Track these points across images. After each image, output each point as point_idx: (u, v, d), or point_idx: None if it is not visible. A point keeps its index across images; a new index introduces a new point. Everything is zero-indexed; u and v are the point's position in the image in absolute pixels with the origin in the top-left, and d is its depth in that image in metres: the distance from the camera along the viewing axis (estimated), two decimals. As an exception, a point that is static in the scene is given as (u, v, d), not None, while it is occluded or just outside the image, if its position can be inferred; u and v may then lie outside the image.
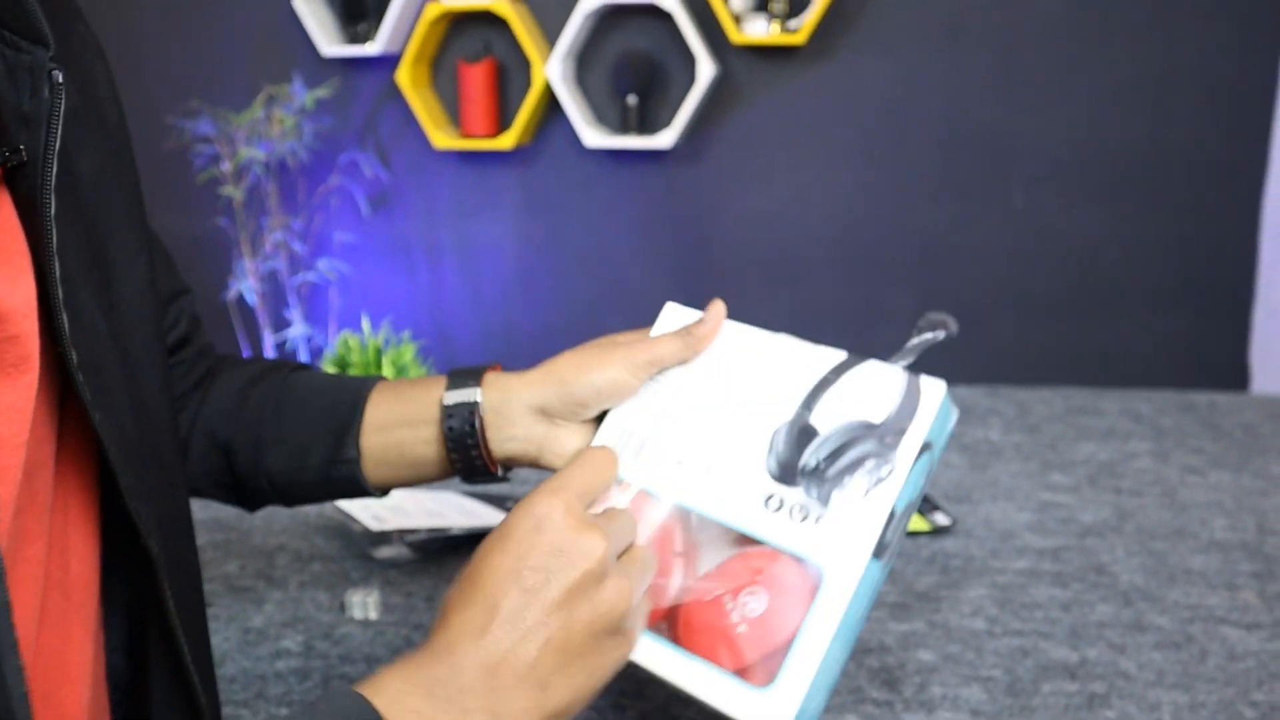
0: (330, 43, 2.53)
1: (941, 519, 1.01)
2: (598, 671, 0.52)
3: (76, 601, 0.54)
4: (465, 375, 0.68)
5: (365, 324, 1.15)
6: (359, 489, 0.70)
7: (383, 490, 0.71)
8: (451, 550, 0.99)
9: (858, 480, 0.58)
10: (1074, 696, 0.75)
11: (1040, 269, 2.45)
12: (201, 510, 1.08)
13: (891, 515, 0.57)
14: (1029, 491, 1.09)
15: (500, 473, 0.69)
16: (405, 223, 2.70)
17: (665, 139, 2.40)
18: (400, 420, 0.69)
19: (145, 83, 2.67)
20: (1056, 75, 2.35)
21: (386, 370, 1.06)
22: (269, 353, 2.63)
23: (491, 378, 0.68)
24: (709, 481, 0.61)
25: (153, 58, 2.67)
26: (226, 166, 2.44)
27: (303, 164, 2.54)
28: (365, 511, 0.97)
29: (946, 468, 1.15)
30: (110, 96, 0.62)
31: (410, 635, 0.85)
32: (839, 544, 0.57)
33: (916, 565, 0.94)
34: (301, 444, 0.70)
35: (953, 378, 1.55)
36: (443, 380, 0.69)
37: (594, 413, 0.67)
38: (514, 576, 0.51)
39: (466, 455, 0.67)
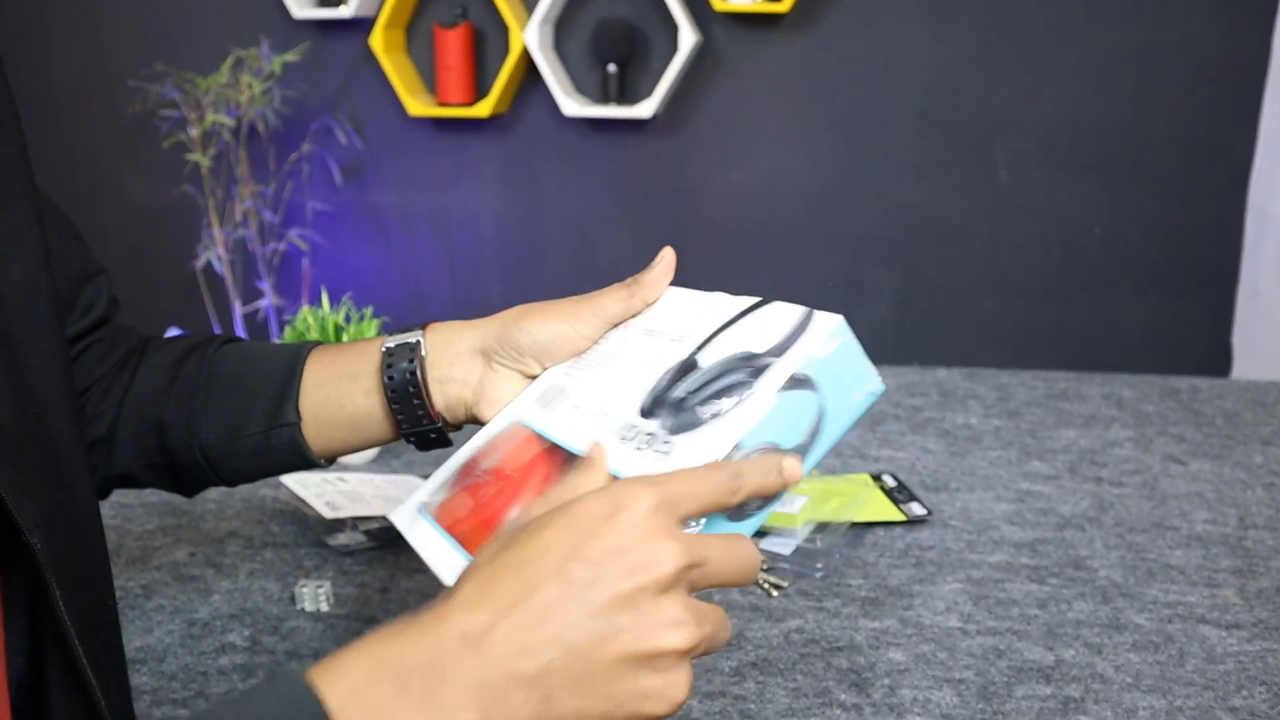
0: (301, 5, 2.46)
1: (918, 509, 0.98)
2: (617, 707, 0.41)
3: None
4: (406, 328, 0.67)
5: (325, 299, 1.10)
6: (300, 456, 0.67)
7: (327, 460, 0.69)
8: (409, 538, 0.95)
9: (711, 409, 0.52)
10: (1048, 700, 0.73)
11: (1023, 247, 2.42)
12: (153, 495, 1.04)
13: (736, 448, 0.50)
14: (1008, 480, 1.07)
15: (441, 424, 0.66)
16: (380, 192, 2.64)
17: (645, 109, 2.35)
18: (340, 374, 0.66)
19: (106, 45, 2.59)
20: (1042, 49, 2.31)
21: (346, 349, 1.02)
22: (239, 324, 2.58)
23: (435, 325, 0.67)
24: (597, 423, 0.57)
25: (113, 18, 2.59)
26: (193, 132, 2.37)
27: (273, 130, 2.48)
28: (320, 498, 0.94)
29: (924, 454, 1.12)
30: None
31: (362, 629, 0.81)
32: (665, 468, 0.50)
33: (890, 558, 0.91)
34: (237, 412, 0.67)
35: (932, 359, 1.50)
36: (381, 338, 0.67)
37: (535, 366, 0.65)
38: (561, 563, 0.41)
39: (408, 403, 0.64)
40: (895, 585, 0.86)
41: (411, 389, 0.64)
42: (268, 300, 2.53)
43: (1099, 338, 2.43)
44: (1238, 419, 1.22)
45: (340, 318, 1.06)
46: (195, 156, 2.38)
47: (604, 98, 2.41)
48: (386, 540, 0.94)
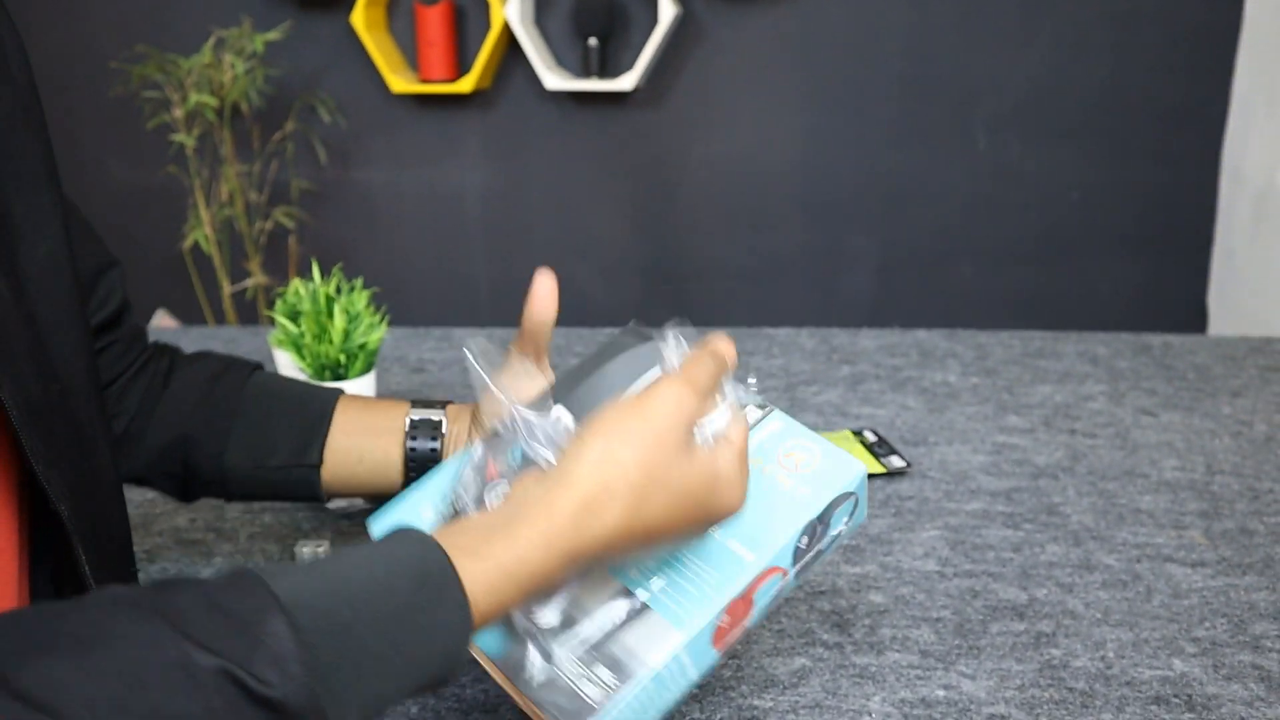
0: (282, -16, 2.46)
1: (897, 462, 1.01)
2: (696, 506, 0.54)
3: None
4: (428, 402, 0.76)
5: (316, 271, 1.13)
6: (310, 492, 0.75)
7: (328, 498, 0.77)
8: (405, 500, 0.98)
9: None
10: (1021, 636, 0.76)
11: (1002, 213, 2.45)
12: (151, 463, 1.06)
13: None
14: (984, 434, 1.10)
15: None
16: (364, 169, 2.65)
17: (627, 81, 2.37)
18: (366, 429, 0.75)
19: (88, 27, 2.59)
20: (1018, 16, 2.33)
21: (338, 319, 1.05)
22: (225, 303, 2.59)
23: (452, 407, 0.76)
24: None
25: (95, 1, 2.59)
26: (177, 113, 2.37)
27: (256, 110, 2.48)
28: (316, 462, 0.96)
29: (904, 410, 1.15)
30: (17, 53, 0.60)
31: (361, 586, 0.84)
32: None
33: (871, 508, 0.94)
34: (266, 443, 0.74)
35: (913, 322, 1.54)
36: (406, 402, 0.76)
37: None
38: (675, 513, 0.52)
39: (423, 470, 0.73)
40: (876, 533, 0.89)
41: (430, 461, 0.74)
42: (255, 280, 2.55)
43: (1078, 300, 2.47)
44: (1208, 372, 1.26)
45: (331, 288, 1.08)
46: (180, 137, 2.38)
47: (585, 71, 2.43)
48: (384, 503, 0.96)
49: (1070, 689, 0.70)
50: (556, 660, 0.56)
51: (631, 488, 0.50)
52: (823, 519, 0.60)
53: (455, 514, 0.60)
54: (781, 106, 2.47)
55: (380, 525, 0.65)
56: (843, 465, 0.61)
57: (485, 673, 0.65)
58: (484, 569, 0.47)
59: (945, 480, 1.00)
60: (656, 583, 0.58)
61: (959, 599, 0.81)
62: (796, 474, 0.61)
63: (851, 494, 0.61)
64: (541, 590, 0.50)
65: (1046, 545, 0.88)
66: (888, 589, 0.82)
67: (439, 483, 0.65)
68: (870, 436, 1.06)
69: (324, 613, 0.41)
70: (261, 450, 0.74)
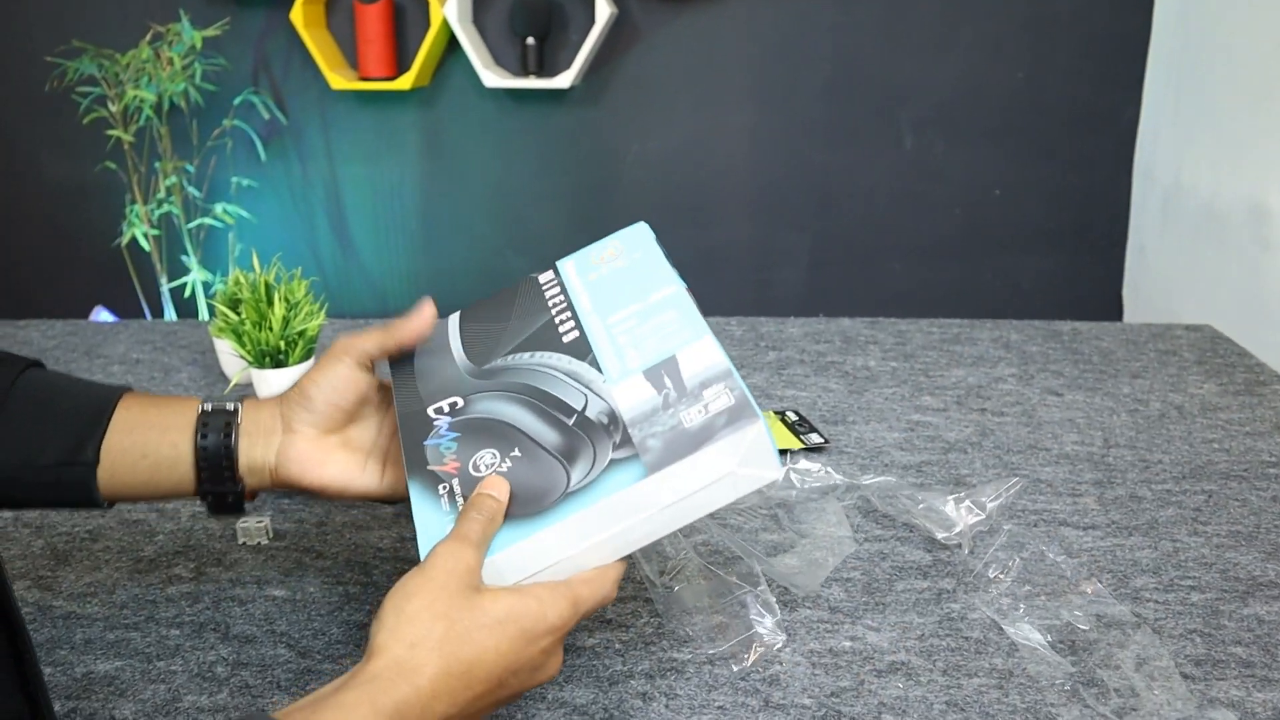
0: (219, -20, 2.46)
1: (816, 439, 1.07)
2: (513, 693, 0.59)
3: None
4: (222, 399, 0.71)
5: (255, 261, 1.15)
6: (86, 496, 0.68)
7: (109, 503, 0.70)
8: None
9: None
10: (924, 592, 0.82)
11: (927, 210, 2.54)
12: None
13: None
14: (900, 413, 1.16)
15: (242, 487, 0.70)
16: (304, 166, 2.66)
17: (564, 80, 2.41)
18: (150, 424, 0.68)
19: (22, 21, 2.56)
20: (940, 22, 2.42)
21: (277, 306, 1.07)
22: (166, 299, 2.58)
23: (248, 399, 0.72)
24: None
25: (30, -7, 2.56)
26: (113, 108, 2.37)
27: (195, 106, 2.48)
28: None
29: (825, 392, 1.21)
30: None
31: (301, 558, 0.87)
32: None
33: (790, 481, 0.99)
34: (34, 442, 0.67)
35: (840, 313, 1.59)
36: (197, 398, 0.71)
37: (332, 413, 0.71)
38: (500, 674, 0.57)
39: (217, 465, 0.68)
40: (791, 502, 0.95)
41: (224, 452, 0.68)
42: (194, 275, 2.54)
43: (1000, 293, 2.56)
44: (1112, 356, 1.34)
45: (271, 277, 1.11)
46: (117, 132, 2.38)
47: (523, 70, 2.46)
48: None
49: (966, 638, 0.76)
50: (671, 428, 0.62)
51: (433, 633, 0.55)
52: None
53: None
54: (715, 106, 2.53)
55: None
56: (637, 232, 0.78)
57: None
58: None
59: (861, 455, 1.06)
60: (649, 349, 0.68)
61: (868, 561, 0.86)
62: (620, 255, 0.77)
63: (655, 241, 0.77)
64: None
65: (954, 514, 0.94)
66: (802, 553, 0.87)
67: (428, 511, 0.67)
68: (792, 416, 1.11)
69: None
70: (29, 449, 0.66)
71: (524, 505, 0.62)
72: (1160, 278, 2.34)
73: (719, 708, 0.69)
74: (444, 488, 0.64)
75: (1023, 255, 2.54)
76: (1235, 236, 1.97)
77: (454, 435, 0.67)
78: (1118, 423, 1.14)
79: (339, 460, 0.70)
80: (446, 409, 0.69)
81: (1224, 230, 2.01)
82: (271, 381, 1.13)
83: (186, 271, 2.58)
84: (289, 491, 0.73)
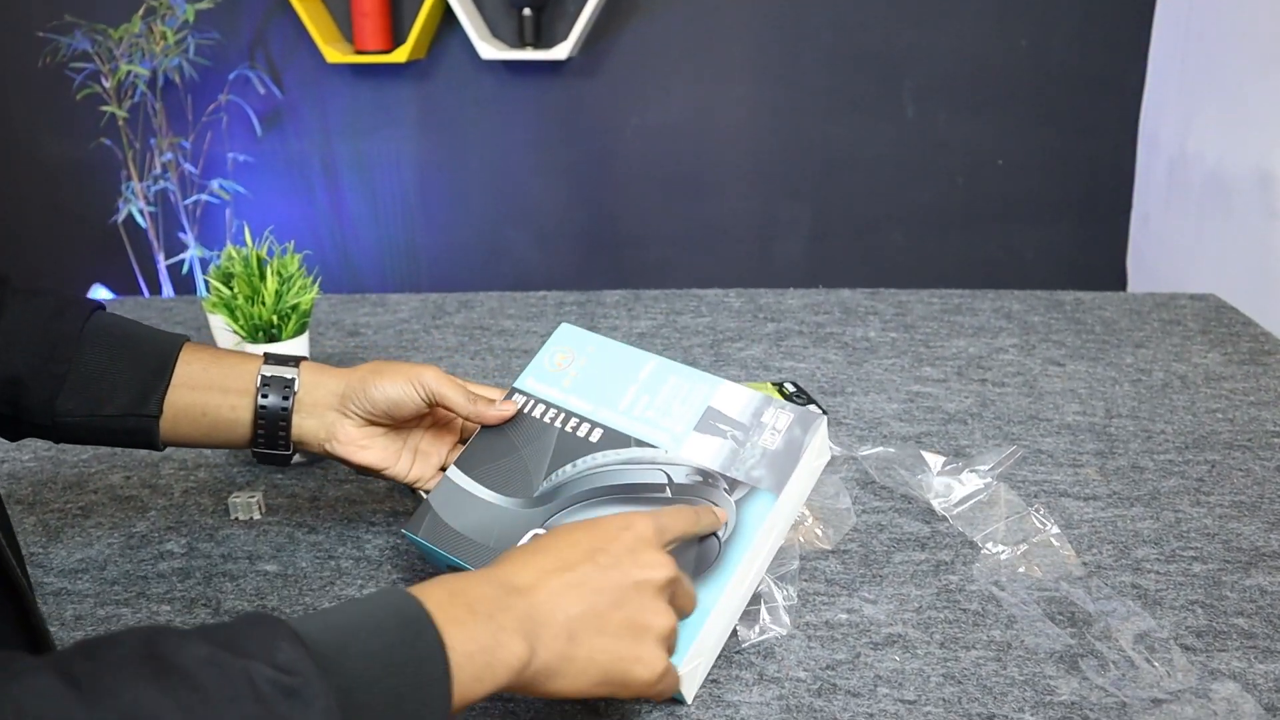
0: (212, -48, 2.43)
1: (814, 410, 1.05)
2: (621, 654, 0.55)
3: None
4: (281, 358, 0.76)
5: (248, 236, 1.14)
6: (147, 441, 0.74)
7: (164, 447, 0.76)
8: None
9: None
10: (922, 564, 0.81)
11: (929, 180, 2.51)
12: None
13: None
14: (900, 384, 1.15)
15: (292, 452, 0.77)
16: (300, 140, 2.64)
17: (561, 51, 2.38)
18: (211, 385, 0.74)
19: (15, -5, 2.54)
20: (948, -13, 2.38)
21: (270, 281, 1.06)
22: (164, 276, 2.57)
23: (308, 364, 0.76)
24: None
25: (21, -32, 2.54)
26: (107, 83, 2.34)
27: (189, 81, 2.46)
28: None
29: (825, 364, 1.20)
30: None
31: (293, 533, 0.87)
32: None
33: (787, 454, 0.98)
34: (101, 392, 0.72)
35: (841, 285, 1.58)
36: (258, 357, 0.76)
37: (381, 417, 0.76)
38: (590, 551, 0.56)
39: (273, 429, 0.74)
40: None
41: (280, 419, 0.74)
42: (191, 252, 2.53)
43: (1002, 264, 2.54)
44: (1114, 326, 1.32)
45: (263, 251, 1.10)
46: (111, 108, 2.36)
47: (520, 41, 2.44)
48: (316, 455, 0.98)
49: (964, 610, 0.75)
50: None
51: (547, 542, 0.57)
52: None
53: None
54: (715, 77, 2.50)
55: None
56: (567, 333, 0.81)
57: None
58: (442, 596, 0.51)
59: (859, 426, 1.04)
60: (655, 420, 0.74)
61: (865, 533, 0.85)
62: (572, 357, 0.79)
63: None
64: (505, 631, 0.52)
65: (952, 484, 0.93)
66: (799, 526, 0.86)
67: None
68: (790, 387, 1.10)
69: (322, 641, 0.45)
70: (96, 398, 0.71)
71: (699, 567, 0.67)
72: (1164, 247, 2.32)
73: (712, 680, 0.68)
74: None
75: (1025, 225, 2.52)
76: (1242, 205, 1.94)
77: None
78: (1120, 393, 1.12)
79: (380, 447, 0.77)
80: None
81: (1230, 199, 1.99)
82: (264, 356, 1.12)
83: (184, 248, 2.57)
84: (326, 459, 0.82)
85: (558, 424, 0.75)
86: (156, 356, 0.73)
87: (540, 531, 0.68)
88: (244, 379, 0.74)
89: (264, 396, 0.74)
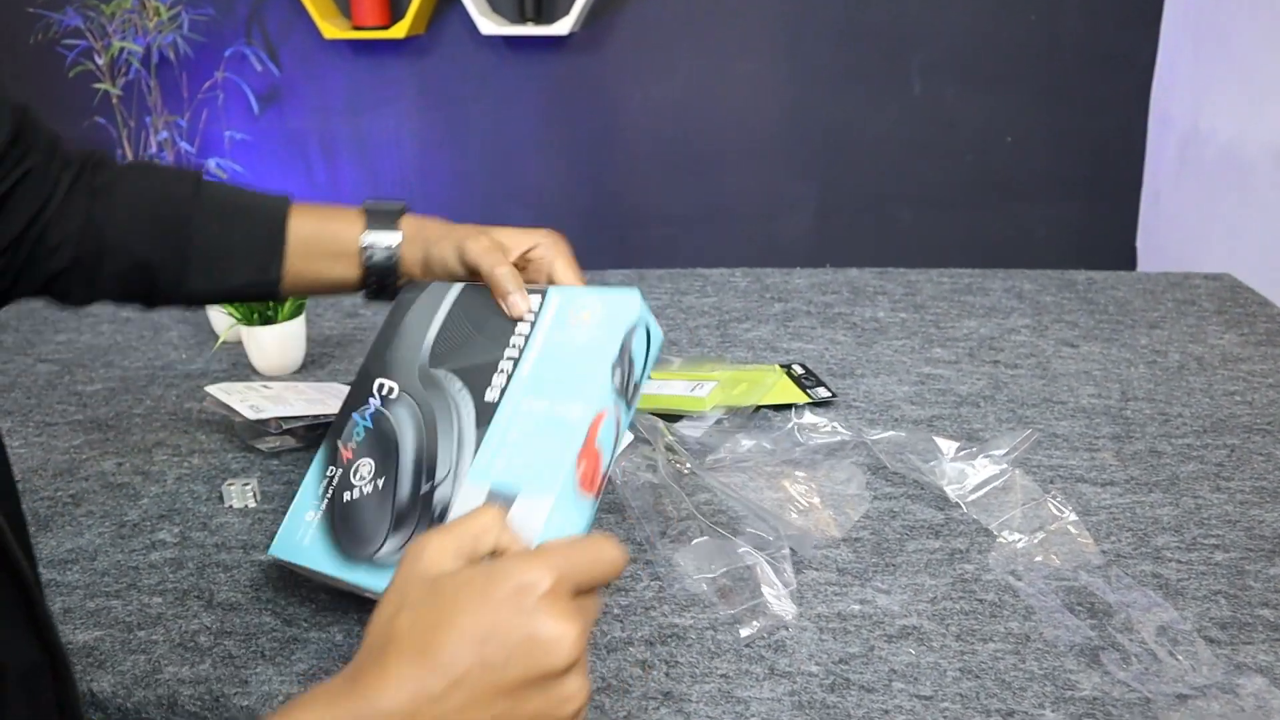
0: (207, -74, 2.38)
1: (823, 393, 1.03)
2: None
3: None
4: (383, 213, 0.78)
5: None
6: (271, 297, 0.81)
7: (286, 297, 0.85)
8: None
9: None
10: (936, 553, 0.79)
11: (937, 158, 2.47)
12: (79, 413, 1.05)
13: None
14: (910, 366, 1.12)
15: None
16: (298, 118, 2.60)
17: (563, 26, 2.34)
18: (323, 252, 0.78)
19: (7, -30, 2.50)
20: (956, -40, 2.34)
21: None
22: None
23: (406, 221, 0.78)
24: None
25: (12, -58, 2.49)
26: (100, 61, 2.31)
27: (184, 58, 2.42)
28: (244, 402, 0.95)
29: (833, 345, 1.17)
30: None
31: (289, 522, 0.84)
32: None
33: (796, 437, 0.96)
34: (227, 266, 0.77)
35: (849, 264, 1.55)
36: (360, 218, 0.78)
37: (447, 276, 0.76)
38: (478, 645, 0.43)
39: (383, 280, 0.78)
40: (798, 458, 0.91)
41: (387, 273, 0.78)
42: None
43: (1011, 243, 2.51)
44: (1128, 306, 1.29)
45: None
46: (104, 86, 2.32)
47: (521, 16, 2.40)
48: (312, 440, 0.96)
49: (980, 600, 0.73)
50: None
51: (401, 604, 0.45)
52: (622, 354, 0.65)
53: (332, 503, 0.69)
54: (720, 52, 2.46)
55: (277, 548, 0.71)
56: (622, 303, 0.67)
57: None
58: None
59: (870, 410, 1.02)
60: (511, 471, 0.62)
61: (878, 520, 0.83)
62: (588, 326, 0.67)
63: (639, 323, 0.67)
64: None
65: (965, 470, 0.90)
66: (809, 513, 0.84)
67: (310, 485, 0.71)
68: (798, 369, 1.08)
69: None
70: (222, 274, 0.77)
71: (350, 543, 0.66)
72: (1176, 226, 2.29)
73: (722, 676, 0.66)
74: (331, 472, 0.70)
75: (1034, 203, 2.48)
76: (1256, 182, 1.91)
77: (367, 425, 0.70)
78: (1135, 375, 1.10)
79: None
80: (384, 391, 0.71)
81: (1244, 176, 1.95)
82: (261, 338, 1.09)
83: (181, 228, 2.53)
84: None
85: (503, 354, 0.68)
86: (266, 225, 0.78)
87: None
88: (349, 241, 0.77)
89: (369, 260, 0.77)
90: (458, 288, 0.74)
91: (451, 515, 0.63)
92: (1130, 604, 0.72)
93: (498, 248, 0.73)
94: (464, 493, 0.63)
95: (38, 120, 0.75)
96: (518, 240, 0.75)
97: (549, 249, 0.75)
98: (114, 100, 2.39)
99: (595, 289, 0.69)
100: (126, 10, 2.25)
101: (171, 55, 2.37)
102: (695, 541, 0.77)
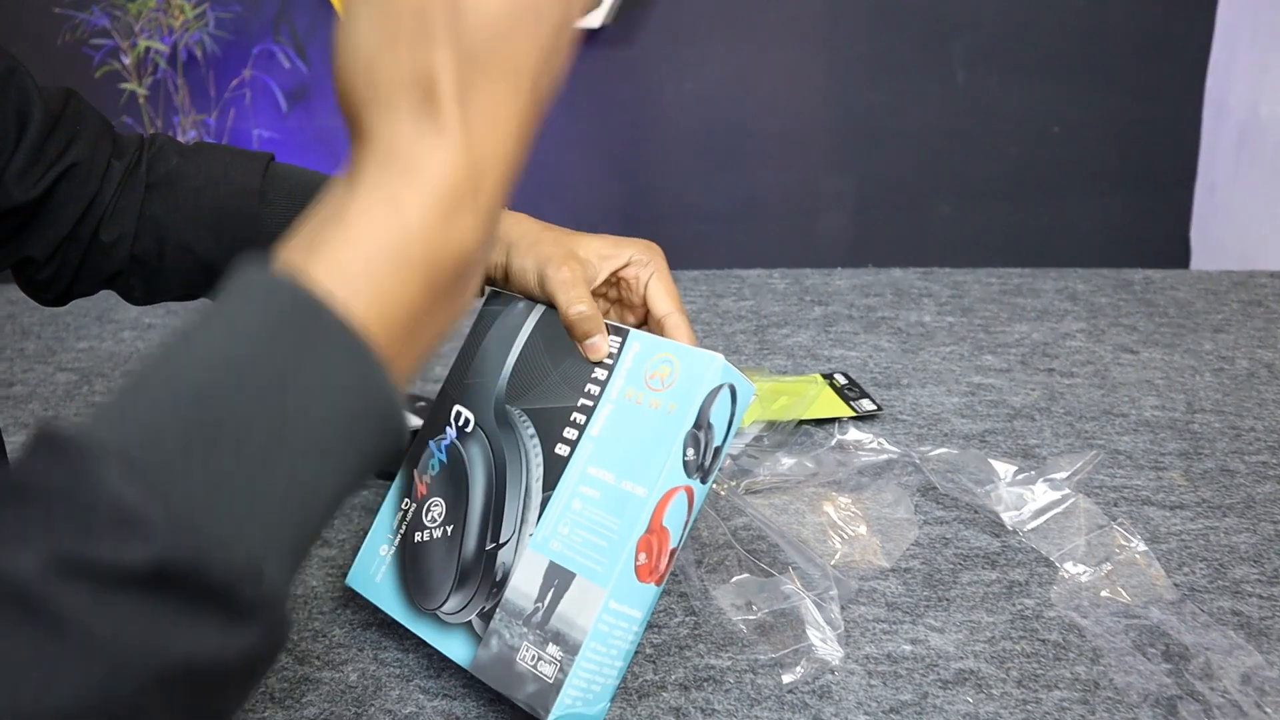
0: (233, -78, 2.36)
1: (868, 405, 0.97)
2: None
3: None
4: None
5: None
6: None
7: None
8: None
9: None
10: (993, 585, 0.73)
11: (981, 149, 2.40)
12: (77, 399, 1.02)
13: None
14: (960, 374, 1.06)
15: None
16: (328, 116, 2.57)
17: (594, 19, 2.29)
18: None
19: (35, -30, 2.48)
20: (1000, -56, 2.26)
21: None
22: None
23: (513, 217, 0.69)
24: None
25: (40, -58, 2.48)
26: (127, 60, 2.29)
27: (211, 56, 2.40)
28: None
29: (877, 352, 1.11)
30: None
31: (305, 548, 0.80)
32: None
33: (839, 455, 0.90)
34: None
35: (891, 262, 1.49)
36: None
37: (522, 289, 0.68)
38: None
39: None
40: (842, 479, 0.86)
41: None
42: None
43: (1058, 237, 2.43)
44: (1190, 308, 1.22)
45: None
46: (131, 86, 2.30)
47: (552, 10, 2.35)
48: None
49: (1043, 641, 0.67)
50: (510, 646, 0.58)
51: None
52: (699, 424, 0.58)
53: (404, 540, 0.65)
54: (754, 43, 2.40)
55: (354, 579, 0.68)
56: (701, 364, 0.59)
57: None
58: (334, 261, 0.34)
59: (918, 424, 0.96)
60: (571, 548, 0.58)
61: (929, 548, 0.77)
62: (662, 391, 0.59)
63: (720, 386, 0.58)
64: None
65: (1024, 494, 0.84)
66: (855, 539, 0.78)
67: (386, 516, 0.68)
68: (840, 380, 1.02)
69: (170, 430, 0.30)
70: None
71: (417, 591, 0.64)
72: (1233, 219, 2.20)
73: (763, 726, 0.61)
74: (406, 505, 0.66)
75: (1082, 196, 2.40)
76: (1318, 172, 1.82)
77: (441, 460, 0.66)
78: (1201, 384, 1.03)
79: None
80: (460, 421, 0.66)
81: (1305, 165, 1.86)
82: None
83: (211, 228, 2.52)
84: None
85: (577, 403, 0.62)
86: None
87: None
88: None
89: None
90: (539, 309, 0.67)
91: (512, 583, 0.59)
92: (1209, 646, 0.66)
93: (579, 280, 0.64)
94: (525, 560, 0.60)
95: (83, 107, 0.69)
96: (608, 258, 0.66)
97: (644, 267, 0.66)
98: (141, 100, 2.37)
99: (676, 344, 0.61)
100: (152, 9, 2.23)
101: (198, 54, 2.35)
102: (735, 579, 0.72)
